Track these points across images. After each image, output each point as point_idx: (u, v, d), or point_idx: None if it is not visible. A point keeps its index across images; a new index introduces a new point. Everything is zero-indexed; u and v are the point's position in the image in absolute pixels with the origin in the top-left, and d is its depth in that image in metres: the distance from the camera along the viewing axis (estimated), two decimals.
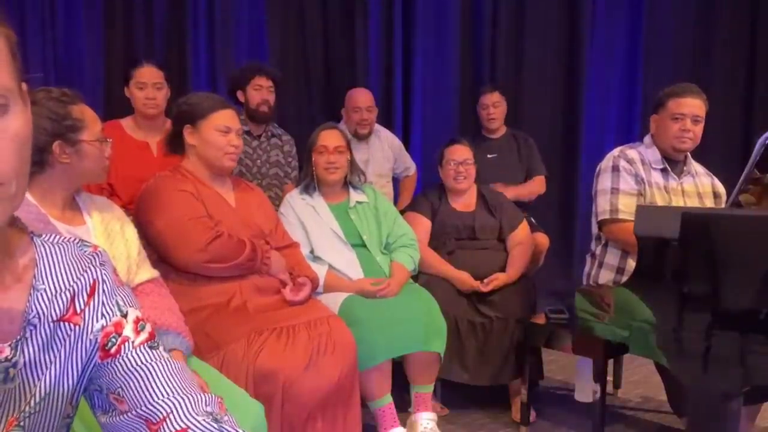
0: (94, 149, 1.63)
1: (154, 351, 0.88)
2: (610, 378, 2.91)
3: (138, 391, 0.85)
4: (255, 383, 1.83)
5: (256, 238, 2.14)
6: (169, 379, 0.86)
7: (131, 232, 1.76)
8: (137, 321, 0.89)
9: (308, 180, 2.62)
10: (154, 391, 0.85)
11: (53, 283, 0.84)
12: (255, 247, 2.08)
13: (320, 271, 2.43)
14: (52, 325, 0.82)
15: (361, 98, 3.50)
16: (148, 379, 0.85)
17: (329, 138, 2.58)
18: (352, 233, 2.58)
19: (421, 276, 2.75)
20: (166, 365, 0.87)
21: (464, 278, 2.74)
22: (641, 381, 3.16)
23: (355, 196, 2.67)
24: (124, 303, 0.89)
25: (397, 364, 2.44)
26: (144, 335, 0.88)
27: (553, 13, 4.71)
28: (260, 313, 2.03)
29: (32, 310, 0.81)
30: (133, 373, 0.85)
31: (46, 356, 0.82)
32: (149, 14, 4.14)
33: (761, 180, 2.14)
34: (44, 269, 0.84)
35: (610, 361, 2.82)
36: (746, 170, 2.16)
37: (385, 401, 2.33)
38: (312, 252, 2.51)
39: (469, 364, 2.61)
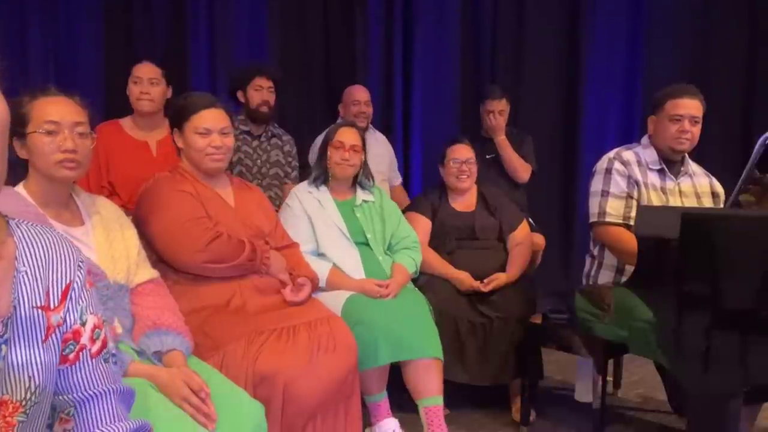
0: (38, 141, 1.55)
1: (108, 366, 0.95)
2: (610, 378, 2.91)
3: (90, 416, 0.92)
4: (255, 384, 1.82)
5: (255, 238, 2.13)
6: (117, 406, 0.94)
7: (131, 233, 1.76)
8: (94, 328, 0.94)
9: (319, 172, 2.63)
10: (103, 416, 0.93)
11: (34, 267, 0.87)
12: (254, 247, 2.08)
13: (324, 268, 2.43)
14: (34, 311, 0.86)
15: (359, 93, 3.61)
16: (102, 404, 0.93)
17: (347, 135, 2.61)
18: (356, 231, 2.58)
19: (421, 276, 2.74)
20: (118, 390, 0.95)
21: (464, 278, 2.73)
22: (641, 381, 3.15)
23: (362, 195, 2.68)
24: (86, 309, 0.93)
25: (394, 364, 2.43)
26: (98, 344, 0.94)
27: (553, 12, 4.71)
28: (260, 313, 2.02)
29: (17, 291, 0.84)
30: (91, 399, 0.92)
31: (30, 342, 0.85)
32: (149, 14, 4.15)
33: (761, 180, 2.14)
34: (24, 251, 0.87)
35: (610, 361, 2.82)
36: (746, 170, 2.16)
37: (382, 397, 2.35)
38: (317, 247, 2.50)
39: (469, 364, 2.60)
